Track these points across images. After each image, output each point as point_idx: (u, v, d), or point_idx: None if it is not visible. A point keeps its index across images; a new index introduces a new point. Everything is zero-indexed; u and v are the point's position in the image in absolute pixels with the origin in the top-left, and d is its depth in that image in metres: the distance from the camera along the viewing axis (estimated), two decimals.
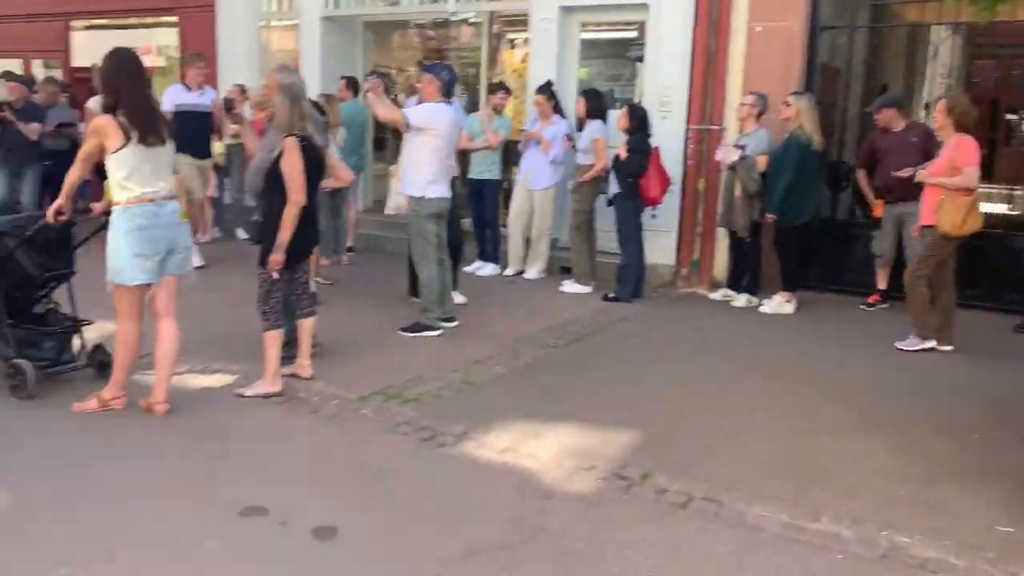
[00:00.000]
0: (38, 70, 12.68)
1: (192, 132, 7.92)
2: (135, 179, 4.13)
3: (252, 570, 2.99)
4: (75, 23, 12.14)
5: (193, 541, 3.14)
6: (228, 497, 3.49)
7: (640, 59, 8.43)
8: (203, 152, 8.42)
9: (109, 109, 4.09)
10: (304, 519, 3.32)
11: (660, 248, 7.97)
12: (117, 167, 4.11)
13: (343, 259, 8.26)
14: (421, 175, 5.85)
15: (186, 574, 2.95)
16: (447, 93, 5.95)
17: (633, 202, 7.19)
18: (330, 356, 5.38)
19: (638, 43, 8.49)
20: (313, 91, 8.32)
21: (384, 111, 5.85)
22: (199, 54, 8.73)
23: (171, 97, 8.19)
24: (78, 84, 11.99)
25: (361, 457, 3.98)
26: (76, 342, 4.92)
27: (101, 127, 4.07)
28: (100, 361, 4.87)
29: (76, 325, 4.87)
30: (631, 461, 3.97)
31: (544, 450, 4.07)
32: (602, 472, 3.85)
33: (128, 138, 4.06)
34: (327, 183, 5.12)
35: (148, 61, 11.71)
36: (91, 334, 5.01)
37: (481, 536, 3.25)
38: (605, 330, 6.48)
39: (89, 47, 12.34)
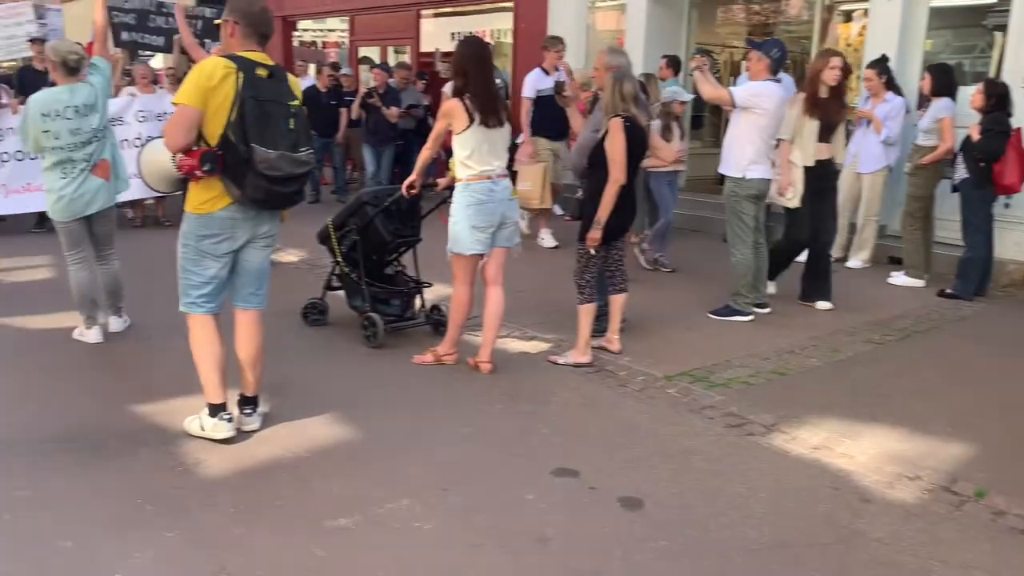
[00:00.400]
0: (390, 56, 14.20)
1: (549, 115, 7.89)
2: (475, 158, 4.50)
3: (565, 524, 3.17)
4: (425, 11, 13.36)
5: (513, 492, 3.40)
6: (542, 455, 3.73)
7: (1000, 28, 7.46)
8: (560, 134, 8.29)
9: (458, 92, 4.49)
10: (611, 486, 3.45)
11: (1012, 242, 7.06)
12: (461, 147, 4.52)
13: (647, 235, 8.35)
14: (743, 155, 5.71)
15: (509, 517, 3.21)
16: (776, 70, 5.74)
17: (983, 189, 6.43)
18: (638, 332, 5.49)
19: (999, 9, 7.52)
20: (636, 71, 8.46)
21: (709, 89, 5.78)
22: (557, 37, 8.54)
23: (532, 83, 8.30)
24: (423, 68, 13.28)
25: (666, 435, 4.03)
26: (417, 302, 5.52)
27: (450, 109, 4.49)
28: (436, 320, 5.43)
29: (419, 286, 5.46)
30: (963, 476, 3.61)
31: (861, 451, 3.84)
32: (928, 483, 3.55)
33: (472, 120, 4.44)
34: (648, 162, 5.19)
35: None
36: (430, 295, 5.59)
37: (790, 530, 3.16)
38: (939, 328, 5.90)
39: (434, 33, 13.59)
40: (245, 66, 3.46)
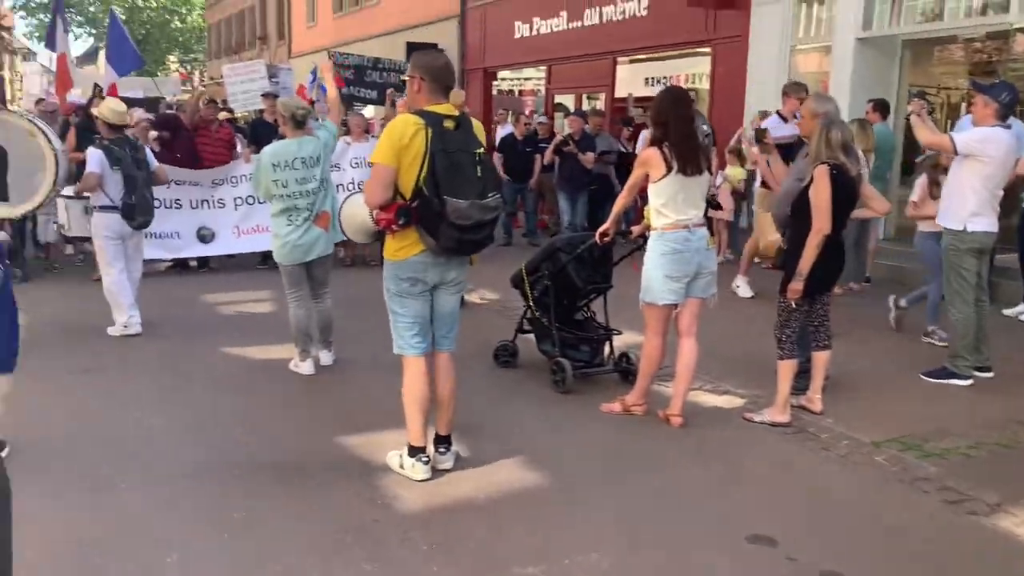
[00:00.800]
0: (584, 103, 14.44)
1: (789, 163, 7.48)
2: (671, 207, 4.46)
3: None
4: (621, 59, 13.52)
5: (704, 555, 3.27)
6: (735, 518, 3.57)
7: None
8: None
9: (657, 141, 4.47)
10: (812, 560, 3.24)
11: None
12: (657, 195, 4.49)
13: (854, 287, 7.87)
14: (964, 205, 5.29)
15: None
16: (1004, 116, 5.28)
17: None
18: (841, 391, 5.16)
19: None
20: (844, 115, 8.08)
21: (928, 135, 5.42)
22: (800, 83, 8.10)
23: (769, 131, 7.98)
24: (616, 113, 13.41)
25: (872, 508, 3.74)
26: (606, 348, 5.50)
27: (648, 158, 4.48)
28: (625, 368, 5.38)
29: (608, 333, 5.45)
30: None
31: None
32: None
33: (669, 168, 4.40)
34: (858, 213, 4.92)
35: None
36: (619, 342, 5.56)
37: None
38: None
39: (629, 79, 13.70)
40: (433, 120, 3.64)
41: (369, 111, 13.79)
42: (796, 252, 4.62)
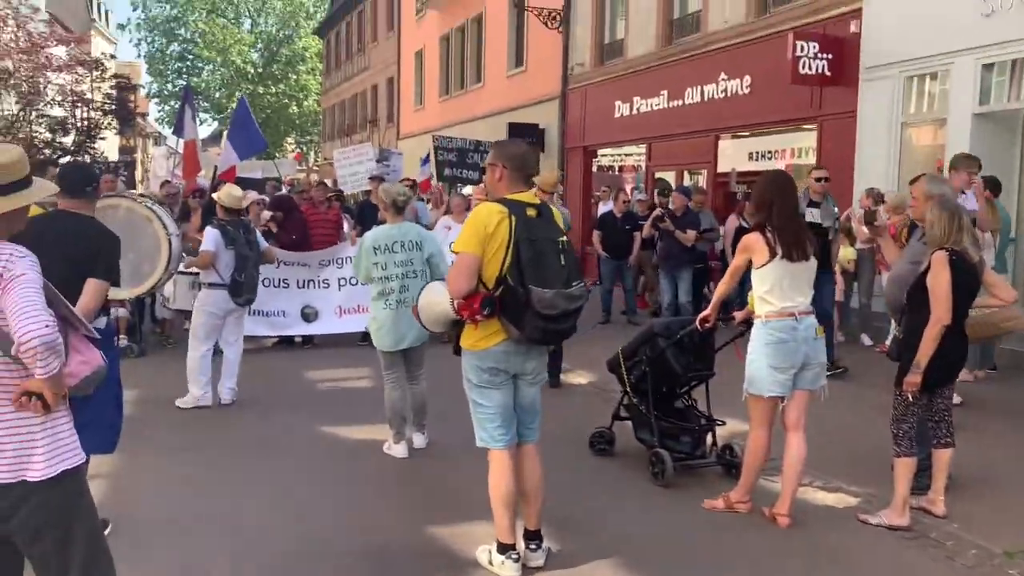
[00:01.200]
0: (685, 178, 14.32)
1: None
2: (776, 293, 4.27)
3: None
4: (723, 135, 13.39)
5: None
6: None
7: None
8: None
9: (759, 226, 4.32)
10: None
11: None
12: (760, 281, 4.31)
13: (978, 375, 7.36)
14: None
15: None
16: None
17: None
18: (965, 492, 4.75)
19: None
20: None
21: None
22: (971, 156, 7.57)
23: None
24: (717, 188, 13.22)
25: None
26: (708, 439, 5.26)
27: (751, 243, 4.33)
28: (728, 461, 5.12)
29: (710, 424, 5.22)
30: None
31: None
32: None
33: (774, 254, 4.23)
34: (981, 301, 4.59)
35: (782, 164, 12.31)
36: (722, 432, 5.31)
37: None
38: None
39: (733, 155, 13.52)
40: (516, 209, 3.61)
41: (468, 189, 14.00)
42: (913, 342, 4.33)
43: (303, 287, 9.53)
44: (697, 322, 4.80)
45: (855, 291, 9.63)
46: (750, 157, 13.17)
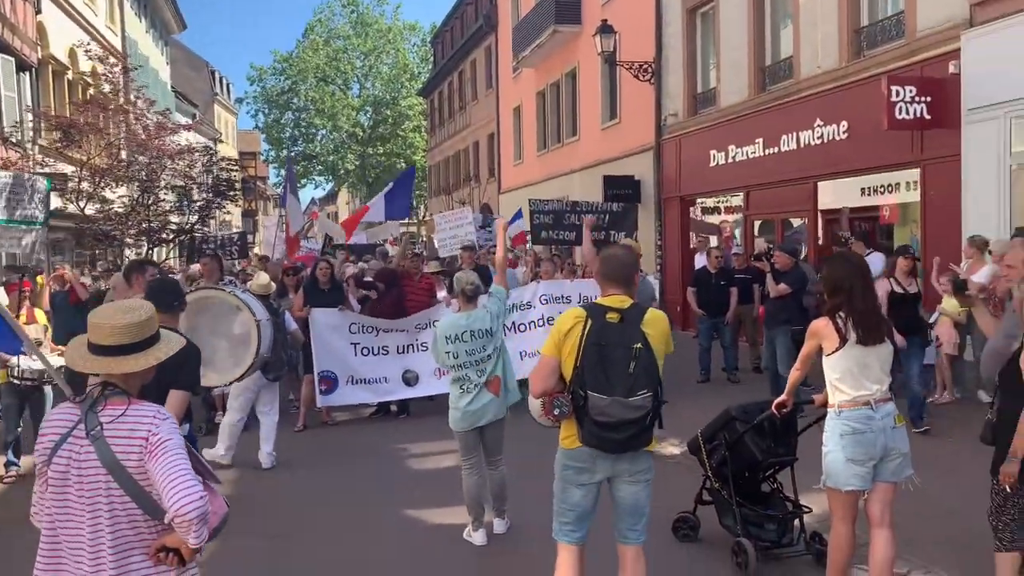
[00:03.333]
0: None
1: None
2: (848, 382, 4.09)
3: None
4: (822, 182, 12.99)
5: None
6: None
7: None
8: None
9: (831, 311, 4.16)
10: None
11: None
12: (832, 369, 4.15)
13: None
14: None
15: None
16: None
17: None
18: None
19: None
20: None
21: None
22: None
23: None
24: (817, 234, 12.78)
25: None
26: (796, 524, 5.04)
27: (819, 330, 4.17)
28: (818, 549, 4.89)
29: (797, 510, 5.00)
30: None
31: None
32: None
33: (844, 340, 4.07)
34: None
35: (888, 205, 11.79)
36: (810, 518, 5.08)
37: None
38: None
39: (831, 194, 13.05)
40: (595, 312, 3.63)
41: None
42: (1008, 426, 4.04)
43: (402, 352, 9.75)
44: (773, 408, 4.64)
45: (968, 344, 9.07)
46: (863, 192, 12.65)
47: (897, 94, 10.10)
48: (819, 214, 13.14)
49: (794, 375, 4.46)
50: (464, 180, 36.17)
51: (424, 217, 48.15)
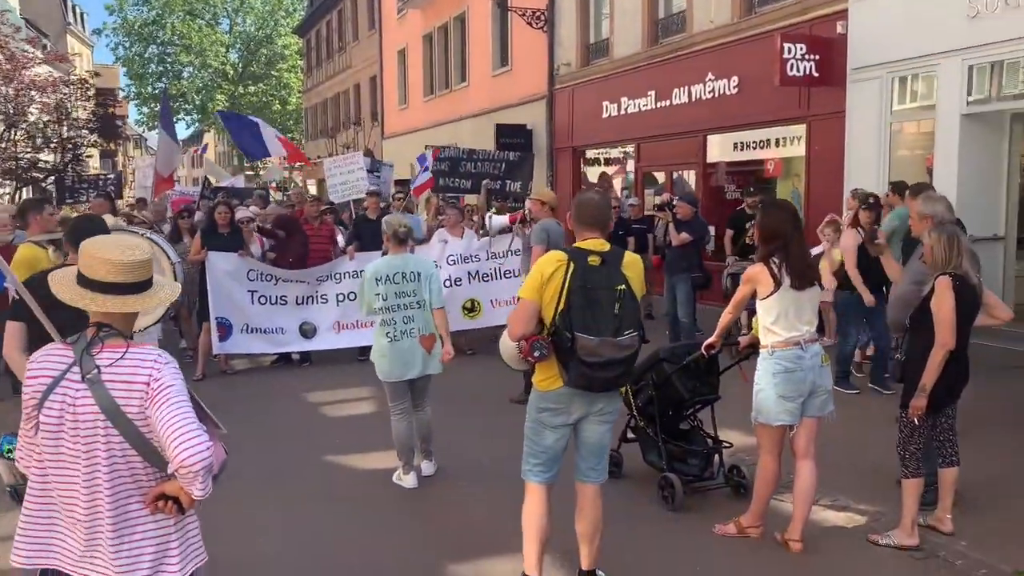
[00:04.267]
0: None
1: None
2: (782, 323, 4.32)
3: None
4: (711, 136, 13.43)
5: None
6: None
7: None
8: None
9: (766, 257, 4.36)
10: None
11: None
12: (766, 312, 4.36)
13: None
14: None
15: None
16: None
17: None
18: (975, 508, 4.83)
19: None
20: (950, 191, 7.79)
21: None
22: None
23: None
24: (707, 190, 13.26)
25: None
26: (715, 459, 5.31)
27: (755, 275, 4.37)
28: (737, 481, 5.18)
29: (718, 446, 5.27)
30: None
31: None
32: None
33: (779, 284, 4.28)
34: (979, 321, 4.65)
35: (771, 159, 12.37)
36: (728, 452, 5.37)
37: None
38: None
39: (719, 150, 13.53)
40: (577, 256, 3.67)
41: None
42: (916, 364, 4.39)
43: (301, 303, 9.50)
44: (703, 350, 4.84)
45: None
46: (735, 147, 13.18)
47: (789, 51, 10.51)
48: (706, 167, 13.62)
49: (725, 318, 4.65)
50: (344, 124, 35.18)
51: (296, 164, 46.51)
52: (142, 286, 2.43)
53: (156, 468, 2.38)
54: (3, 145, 16.94)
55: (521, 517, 3.90)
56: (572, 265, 3.62)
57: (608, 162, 17.21)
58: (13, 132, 17.28)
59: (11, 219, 7.35)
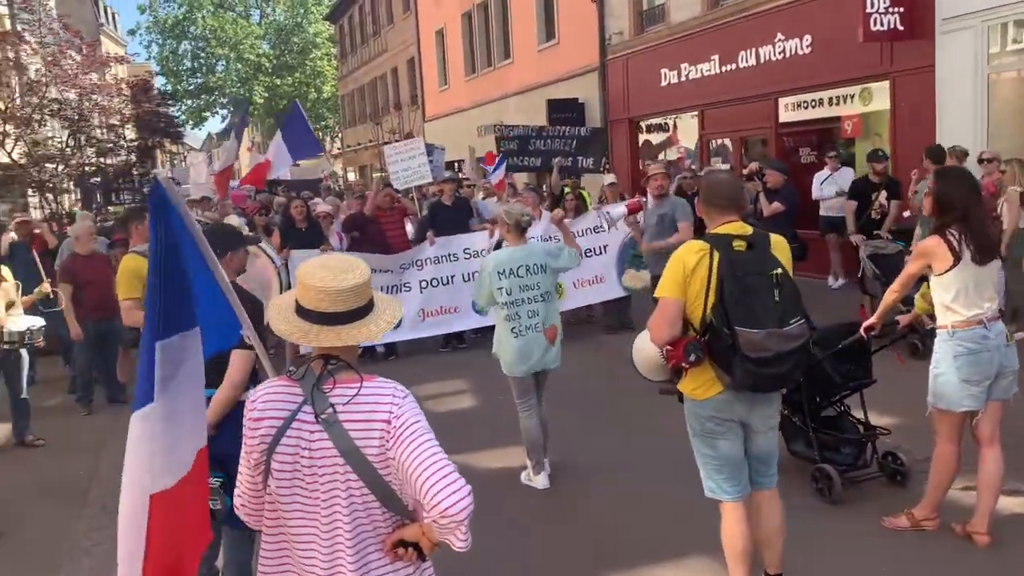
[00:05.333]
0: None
1: None
2: (961, 301, 3.96)
3: None
4: (783, 99, 12.91)
5: None
6: None
7: None
8: None
9: (941, 229, 4.00)
10: None
11: None
12: (944, 289, 4.00)
13: None
14: None
15: None
16: None
17: None
18: None
19: None
20: None
21: None
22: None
23: None
24: (780, 153, 12.73)
25: None
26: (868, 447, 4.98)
27: (930, 249, 4.01)
28: (894, 468, 4.85)
29: (872, 432, 4.93)
30: None
31: None
32: None
33: (958, 258, 3.92)
34: None
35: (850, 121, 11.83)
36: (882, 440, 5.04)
37: None
38: None
39: (792, 110, 13.01)
40: (719, 243, 3.32)
41: (608, 178, 13.04)
42: None
43: (386, 293, 9.27)
44: (862, 331, 4.50)
45: None
46: (808, 107, 12.64)
47: (872, 5, 9.99)
48: (779, 130, 13.12)
49: (890, 297, 4.30)
50: (383, 109, 34.92)
51: (333, 151, 46.53)
52: (361, 312, 2.16)
53: (392, 513, 2.13)
54: (68, 151, 16.94)
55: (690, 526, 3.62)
56: (716, 254, 3.27)
57: (661, 130, 16.72)
58: (79, 139, 17.28)
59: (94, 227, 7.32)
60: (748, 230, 3.41)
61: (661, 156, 16.21)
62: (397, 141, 16.19)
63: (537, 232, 9.45)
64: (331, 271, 2.14)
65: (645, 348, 3.57)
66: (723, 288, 3.25)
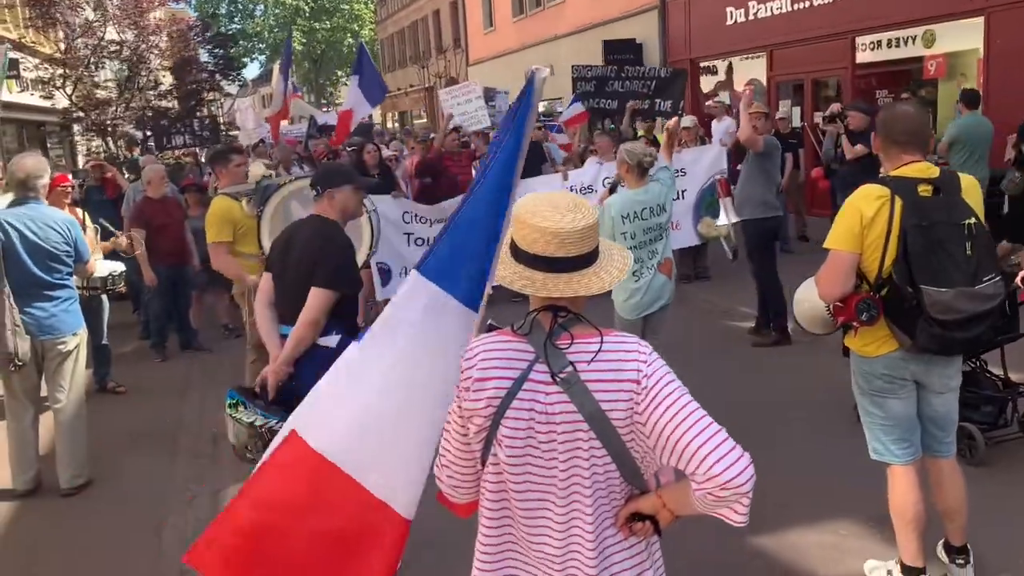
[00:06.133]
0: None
1: None
2: None
3: None
4: (860, 38, 12.29)
5: None
6: None
7: None
8: None
9: None
10: None
11: None
12: None
13: None
14: None
15: None
16: None
17: None
18: None
19: None
20: None
21: None
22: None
23: None
24: (856, 94, 12.15)
25: None
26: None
27: None
28: None
29: (1016, 390, 4.61)
30: None
31: None
32: None
33: None
34: None
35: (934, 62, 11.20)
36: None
37: None
38: None
39: (869, 50, 12.40)
40: (902, 188, 2.96)
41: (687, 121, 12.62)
42: None
43: None
44: (1019, 280, 4.15)
45: None
46: (888, 46, 12.00)
47: None
48: (855, 71, 12.51)
49: None
50: (424, 53, 34.30)
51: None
52: (588, 259, 1.87)
53: (629, 486, 1.88)
54: (128, 95, 16.77)
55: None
56: (898, 200, 2.92)
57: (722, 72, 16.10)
58: (137, 80, 17.09)
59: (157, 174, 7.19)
60: (935, 172, 3.05)
61: (718, 98, 15.63)
62: (448, 85, 15.81)
63: (614, 171, 9.11)
64: (558, 209, 1.84)
65: (810, 300, 3.27)
66: (906, 240, 2.91)
